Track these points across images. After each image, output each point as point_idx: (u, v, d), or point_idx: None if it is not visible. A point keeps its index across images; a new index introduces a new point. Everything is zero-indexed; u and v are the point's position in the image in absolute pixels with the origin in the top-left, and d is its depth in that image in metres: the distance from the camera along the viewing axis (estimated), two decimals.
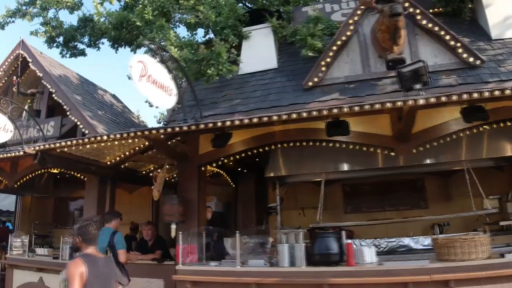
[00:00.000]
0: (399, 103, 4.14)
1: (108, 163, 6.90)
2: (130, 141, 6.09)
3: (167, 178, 7.31)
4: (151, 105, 13.33)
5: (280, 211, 7.15)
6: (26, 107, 7.67)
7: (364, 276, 4.65)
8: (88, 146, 5.80)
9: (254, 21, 7.45)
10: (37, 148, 5.74)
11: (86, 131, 7.14)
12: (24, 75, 8.63)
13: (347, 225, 6.94)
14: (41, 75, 8.05)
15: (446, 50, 5.99)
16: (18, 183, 8.02)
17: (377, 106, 4.16)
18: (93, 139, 5.27)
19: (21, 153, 6.13)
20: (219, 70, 5.93)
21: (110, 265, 3.08)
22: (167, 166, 6.32)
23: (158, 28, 6.86)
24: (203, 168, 6.38)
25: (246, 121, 4.34)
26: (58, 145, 5.58)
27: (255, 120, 4.32)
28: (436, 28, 5.94)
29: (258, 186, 8.63)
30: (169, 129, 4.59)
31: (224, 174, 7.90)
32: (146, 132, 4.64)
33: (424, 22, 5.98)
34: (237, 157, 6.35)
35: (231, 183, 8.40)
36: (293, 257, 5.01)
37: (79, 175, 7.35)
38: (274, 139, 6.08)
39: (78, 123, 7.32)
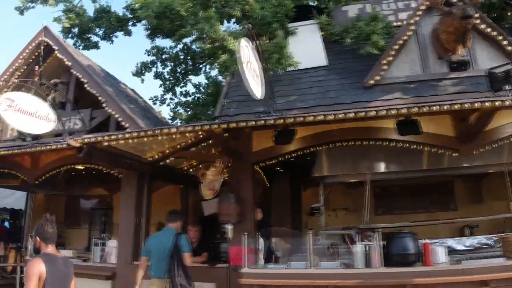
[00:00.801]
0: (497, 103, 4.10)
1: (150, 159, 6.51)
2: (179, 135, 5.79)
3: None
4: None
5: (324, 211, 7.08)
6: (49, 98, 7.12)
7: (445, 276, 4.64)
8: (135, 140, 5.45)
9: (299, 17, 7.32)
10: (86, 140, 5.31)
11: (126, 125, 6.69)
12: (44, 64, 8.04)
13: (390, 226, 6.88)
14: (69, 64, 7.51)
15: (502, 55, 6.04)
16: (40, 180, 7.44)
17: (477, 105, 4.11)
18: (158, 131, 4.93)
19: (64, 145, 5.68)
20: (279, 64, 5.73)
21: (68, 265, 3.10)
22: (218, 164, 6.02)
23: (205, 19, 6.57)
24: (256, 166, 6.15)
25: (340, 115, 4.18)
26: (113, 137, 5.18)
27: (351, 115, 4.15)
28: (495, 33, 6.00)
29: (293, 186, 8.46)
30: (280, 120, 4.25)
31: (261, 172, 7.65)
32: (265, 121, 4.30)
33: (482, 26, 6.02)
34: (293, 155, 6.15)
35: (266, 183, 8.17)
36: (369, 258, 4.89)
37: (114, 172, 6.88)
38: (331, 137, 5.93)
39: (117, 115, 6.84)
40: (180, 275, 4.60)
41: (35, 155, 7.35)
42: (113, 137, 5.13)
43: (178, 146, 6.33)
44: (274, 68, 5.92)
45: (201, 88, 15.44)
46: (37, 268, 2.78)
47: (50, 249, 2.98)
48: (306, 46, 6.99)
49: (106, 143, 5.59)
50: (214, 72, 14.49)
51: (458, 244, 6.54)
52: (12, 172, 7.65)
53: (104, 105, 7.00)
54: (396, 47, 6.03)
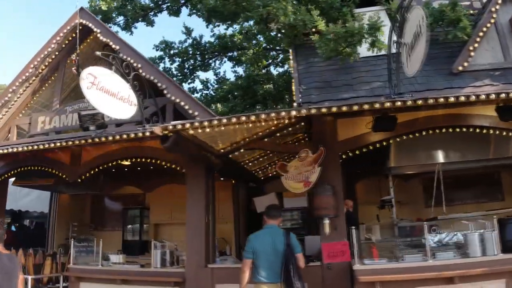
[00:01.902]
0: None
1: (222, 150, 6.00)
2: (264, 123, 5.36)
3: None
4: None
5: (395, 203, 6.96)
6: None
7: None
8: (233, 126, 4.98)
9: (363, 3, 7.12)
10: (179, 127, 4.74)
11: (195, 113, 6.08)
12: (77, 51, 7.24)
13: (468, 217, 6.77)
14: (117, 47, 6.76)
15: None
16: (83, 178, 6.66)
17: None
18: (264, 116, 4.50)
19: (147, 133, 5.06)
20: (373, 47, 5.48)
21: (13, 261, 3.29)
22: (305, 155, 5.62)
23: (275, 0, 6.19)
24: (344, 157, 5.84)
25: (493, 96, 3.97)
26: (214, 122, 4.66)
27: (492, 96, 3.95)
28: None
29: (346, 179, 8.19)
30: (419, 101, 3.90)
31: None
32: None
33: None
34: (377, 145, 5.89)
35: None
36: (483, 246, 4.75)
37: (176, 166, 6.26)
38: (416, 126, 5.72)
39: (182, 103, 6.19)
40: (297, 279, 4.11)
41: (75, 151, 6.59)
42: (214, 122, 4.62)
43: (255, 136, 5.87)
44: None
45: (209, 84, 14.90)
46: None
47: None
48: None
49: (191, 131, 5.07)
50: (226, 66, 14.00)
51: None
52: (47, 170, 6.81)
53: (165, 91, 6.35)
54: (481, 34, 5.97)
